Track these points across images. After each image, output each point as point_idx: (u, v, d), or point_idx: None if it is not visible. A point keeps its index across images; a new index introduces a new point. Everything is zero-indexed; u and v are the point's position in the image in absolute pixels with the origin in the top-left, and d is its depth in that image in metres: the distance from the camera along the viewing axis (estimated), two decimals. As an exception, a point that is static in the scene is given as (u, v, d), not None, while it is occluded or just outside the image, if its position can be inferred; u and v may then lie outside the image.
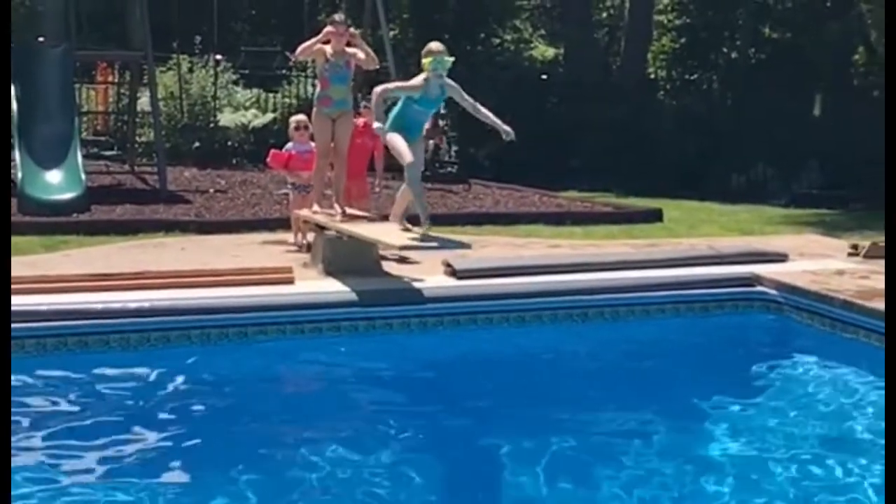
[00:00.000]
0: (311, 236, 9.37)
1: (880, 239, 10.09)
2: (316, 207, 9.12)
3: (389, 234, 8.42)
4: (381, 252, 8.94)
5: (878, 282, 8.61)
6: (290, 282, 8.14)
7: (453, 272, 8.46)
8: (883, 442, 6.19)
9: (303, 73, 20.15)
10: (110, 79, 19.54)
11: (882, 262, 9.45)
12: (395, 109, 8.73)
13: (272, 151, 10.26)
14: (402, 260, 9.12)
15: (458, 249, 8.59)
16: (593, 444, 6.10)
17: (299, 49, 9.16)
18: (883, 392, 6.97)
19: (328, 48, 8.93)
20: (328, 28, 9.00)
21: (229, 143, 18.91)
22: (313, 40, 9.00)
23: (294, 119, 10.30)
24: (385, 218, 9.48)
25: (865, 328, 7.68)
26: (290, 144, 10.08)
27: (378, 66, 9.63)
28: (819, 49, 21.67)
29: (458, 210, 13.88)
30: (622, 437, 6.23)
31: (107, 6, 19.51)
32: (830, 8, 22.59)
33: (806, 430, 6.39)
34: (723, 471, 5.74)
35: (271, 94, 20.55)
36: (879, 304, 7.77)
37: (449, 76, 8.68)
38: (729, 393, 7.03)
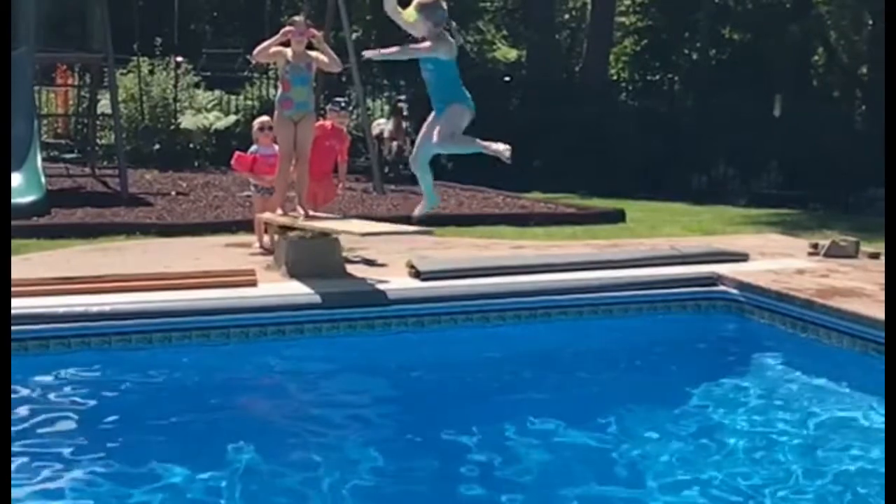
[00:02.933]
0: (275, 238, 9.34)
1: (840, 238, 10.22)
2: (280, 211, 9.10)
3: (350, 225, 8.42)
4: (345, 254, 8.93)
5: (838, 280, 8.71)
6: (253, 284, 8.11)
7: (417, 274, 8.47)
8: (847, 439, 6.29)
9: (265, 75, 20.11)
10: (70, 81, 19.40)
11: (841, 261, 9.58)
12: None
13: (237, 154, 10.20)
14: (368, 262, 9.12)
15: (420, 245, 8.60)
16: (556, 444, 6.13)
17: (256, 50, 9.11)
18: (846, 390, 7.08)
19: (289, 50, 8.90)
20: (286, 28, 8.97)
21: (191, 145, 18.83)
22: (270, 41, 8.96)
23: (258, 120, 10.25)
24: (347, 216, 9.46)
25: (826, 327, 7.76)
26: (254, 147, 10.03)
27: (341, 69, 9.60)
28: (778, 50, 21.86)
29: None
30: (585, 437, 6.26)
31: (66, 7, 19.34)
32: (789, 9, 22.78)
33: (766, 429, 6.45)
34: (685, 471, 5.79)
35: (233, 96, 20.48)
36: (839, 303, 7.85)
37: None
38: (690, 392, 7.08)
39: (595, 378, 7.56)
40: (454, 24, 8.04)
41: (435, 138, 8.24)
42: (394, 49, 8.01)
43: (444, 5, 7.92)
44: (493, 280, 8.45)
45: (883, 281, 8.64)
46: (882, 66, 21.41)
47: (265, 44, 8.98)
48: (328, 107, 10.07)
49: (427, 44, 7.88)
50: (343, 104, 10.07)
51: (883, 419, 6.46)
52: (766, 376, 7.48)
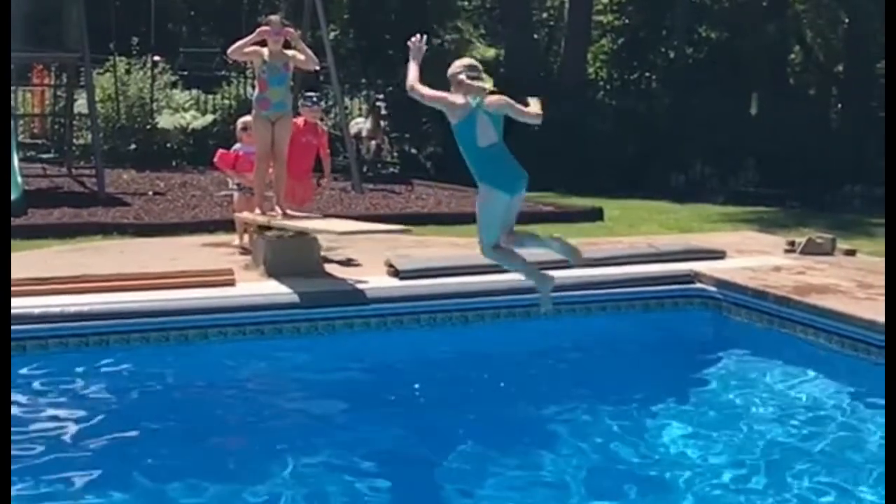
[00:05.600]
0: (253, 238, 9.33)
1: (816, 235, 10.27)
2: (258, 210, 9.09)
3: (329, 224, 8.41)
4: (324, 253, 8.92)
5: (814, 277, 8.76)
6: (231, 284, 8.10)
7: (396, 272, 8.48)
8: (824, 433, 6.33)
9: (242, 75, 20.04)
10: (47, 81, 19.30)
11: (818, 258, 9.64)
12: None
13: (219, 151, 10.18)
14: (346, 262, 9.11)
15: (399, 244, 8.59)
16: (534, 442, 6.14)
17: (231, 49, 9.10)
18: (823, 385, 7.12)
19: (265, 50, 8.88)
20: (262, 28, 8.95)
21: (168, 144, 18.75)
22: (245, 40, 8.95)
23: (242, 120, 10.21)
24: (326, 216, 9.44)
25: (802, 323, 7.81)
26: (237, 145, 10.02)
27: (318, 67, 9.57)
28: (755, 48, 21.95)
29: (400, 210, 13.91)
30: (563, 434, 6.28)
31: (43, 7, 19.26)
32: (766, 8, 22.87)
33: (744, 425, 6.48)
34: (663, 467, 5.82)
35: (210, 96, 20.40)
36: (815, 300, 7.90)
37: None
38: (668, 389, 7.11)
39: (574, 376, 7.58)
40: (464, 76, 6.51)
41: None
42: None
43: (464, 64, 6.63)
44: (473, 279, 8.45)
45: (859, 278, 8.71)
46: (858, 64, 21.51)
47: (240, 42, 8.96)
48: (300, 102, 10.00)
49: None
50: (315, 98, 10.02)
51: (862, 413, 6.53)
52: (742, 373, 7.51)
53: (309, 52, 9.12)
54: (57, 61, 17.55)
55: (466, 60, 6.82)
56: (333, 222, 8.59)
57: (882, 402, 6.28)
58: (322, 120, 11.09)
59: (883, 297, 7.88)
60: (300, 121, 9.64)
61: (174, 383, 7.13)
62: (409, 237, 9.95)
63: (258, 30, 8.96)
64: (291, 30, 9.23)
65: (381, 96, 18.79)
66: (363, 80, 21.02)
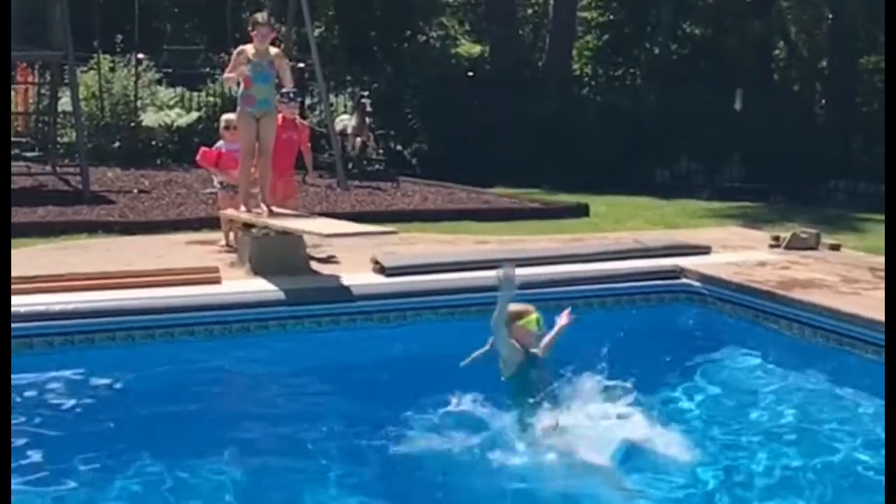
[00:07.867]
0: (239, 235, 9.31)
1: (801, 230, 10.31)
2: (243, 207, 9.08)
3: (314, 224, 8.41)
4: (309, 251, 8.92)
5: (799, 272, 8.80)
6: (217, 282, 8.09)
7: (382, 269, 8.48)
8: (808, 427, 6.36)
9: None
10: (30, 79, 19.23)
11: (802, 253, 9.68)
12: None
13: (202, 149, 10.17)
14: (329, 259, 9.11)
15: (384, 241, 8.59)
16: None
17: (224, 77, 9.28)
18: (808, 379, 7.15)
19: (250, 48, 8.89)
20: (238, 56, 9.02)
21: (153, 142, 18.70)
22: (232, 64, 9.11)
23: (225, 118, 10.21)
24: (312, 214, 9.40)
25: (787, 318, 7.85)
26: (220, 143, 10.01)
27: (292, 86, 9.66)
28: (740, 45, 22.01)
29: (386, 207, 13.91)
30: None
31: (26, 5, 19.17)
32: (750, 4, 22.93)
33: (729, 419, 6.50)
34: (649, 462, 5.83)
35: (195, 93, 20.35)
36: (800, 295, 7.94)
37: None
38: (653, 384, 7.11)
39: (560, 371, 7.58)
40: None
41: None
42: None
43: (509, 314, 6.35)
44: (458, 275, 8.46)
45: (844, 273, 8.76)
46: (842, 60, 21.54)
47: (228, 69, 9.12)
48: (276, 99, 9.97)
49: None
50: (291, 95, 10.01)
51: (847, 406, 6.56)
52: (728, 368, 7.53)
53: (289, 73, 9.26)
54: (41, 59, 17.47)
55: (514, 310, 6.29)
56: (319, 222, 8.58)
57: (869, 396, 6.34)
58: (305, 117, 11.08)
59: (867, 292, 7.94)
60: (279, 118, 9.63)
61: (160, 381, 7.11)
62: (394, 234, 9.95)
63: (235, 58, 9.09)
64: (279, 51, 9.36)
65: (366, 93, 18.77)
66: (348, 77, 20.99)
